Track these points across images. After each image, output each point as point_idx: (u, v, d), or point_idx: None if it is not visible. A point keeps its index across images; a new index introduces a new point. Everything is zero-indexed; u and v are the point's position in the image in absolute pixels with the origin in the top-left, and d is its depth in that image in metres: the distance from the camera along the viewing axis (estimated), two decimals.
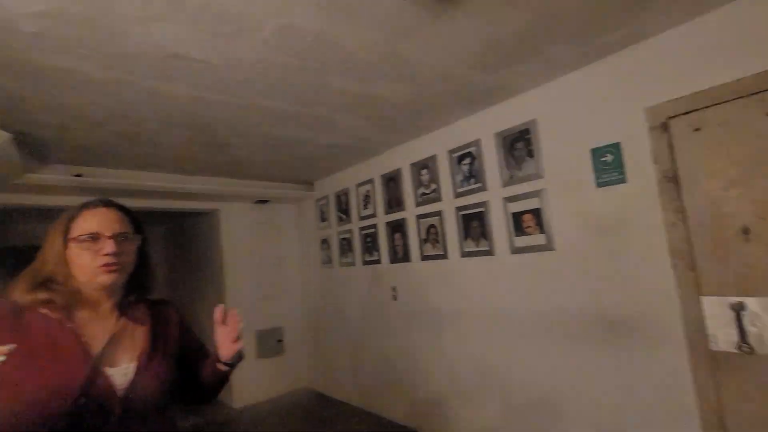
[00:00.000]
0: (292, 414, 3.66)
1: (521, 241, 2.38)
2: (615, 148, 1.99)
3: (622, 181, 1.96)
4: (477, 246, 2.63)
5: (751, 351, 1.58)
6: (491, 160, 2.54)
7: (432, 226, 2.95)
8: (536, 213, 2.30)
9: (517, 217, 2.40)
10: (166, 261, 6.22)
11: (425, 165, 2.99)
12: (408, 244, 3.15)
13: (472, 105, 2.50)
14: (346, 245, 3.83)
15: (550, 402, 2.25)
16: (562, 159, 2.20)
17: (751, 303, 1.59)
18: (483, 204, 2.59)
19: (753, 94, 1.58)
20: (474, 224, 2.65)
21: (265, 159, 3.27)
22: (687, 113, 1.75)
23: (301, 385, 4.40)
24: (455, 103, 2.45)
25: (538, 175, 2.30)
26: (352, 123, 2.63)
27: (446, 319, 2.84)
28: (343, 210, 3.86)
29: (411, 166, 3.11)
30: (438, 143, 2.89)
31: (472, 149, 2.66)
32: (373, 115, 2.51)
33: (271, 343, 4.23)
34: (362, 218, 3.62)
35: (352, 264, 3.75)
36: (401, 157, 3.20)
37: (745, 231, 1.60)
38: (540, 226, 2.29)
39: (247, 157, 3.17)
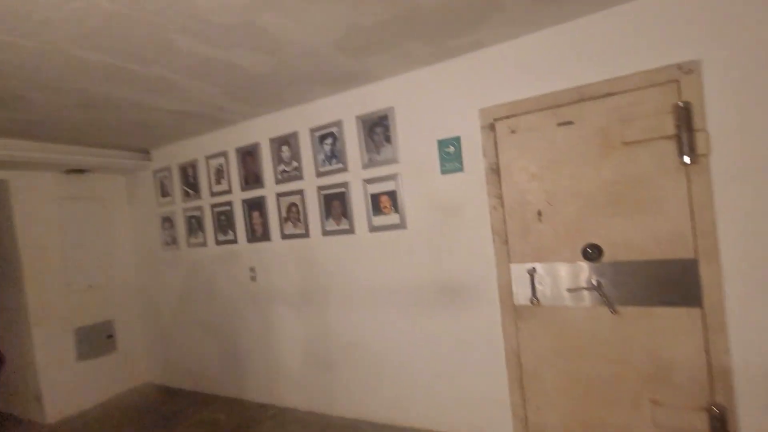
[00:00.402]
0: (132, 413, 3.22)
1: (378, 221, 2.57)
2: (456, 141, 2.30)
3: (461, 170, 2.30)
4: (338, 225, 2.73)
5: (538, 303, 2.12)
6: (353, 142, 2.63)
7: (293, 204, 2.91)
8: (392, 195, 2.52)
9: (375, 198, 2.57)
10: None
11: (286, 141, 2.89)
12: (267, 223, 3.04)
13: (335, 85, 2.51)
14: (195, 224, 3.44)
15: (402, 360, 2.57)
16: (414, 147, 2.43)
17: (539, 267, 2.12)
18: (344, 185, 2.68)
19: (549, 108, 2.04)
20: (335, 204, 2.73)
21: (81, 119, 2.62)
22: (507, 117, 2.15)
23: (139, 382, 3.88)
24: (318, 82, 2.41)
25: (394, 160, 2.49)
26: (202, 89, 2.33)
27: (307, 297, 2.90)
28: (191, 184, 3.43)
29: (270, 141, 2.96)
30: (300, 120, 2.82)
31: (334, 129, 2.69)
32: (228, 83, 2.28)
33: (97, 340, 3.57)
34: (215, 194, 3.30)
35: (203, 244, 3.41)
36: (260, 131, 3.01)
37: (539, 214, 2.11)
38: (395, 206, 2.51)
39: (53, 115, 2.48)
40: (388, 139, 2.50)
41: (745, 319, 1.71)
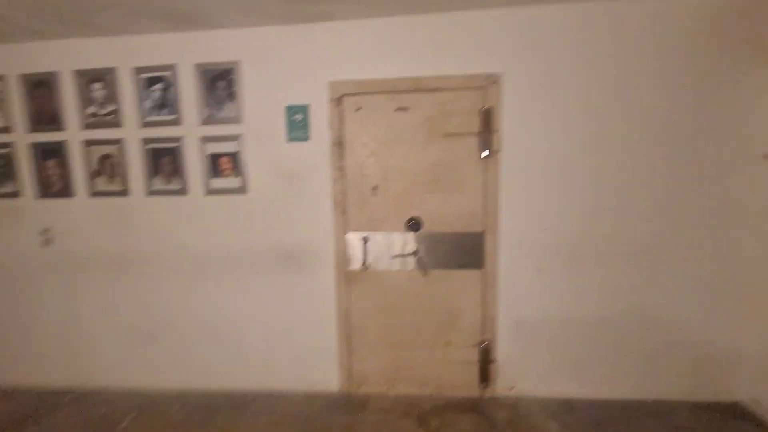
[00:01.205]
0: None
1: (217, 183, 2.41)
2: (304, 109, 2.31)
3: (307, 139, 2.33)
4: (168, 184, 2.43)
5: (368, 268, 2.38)
6: (189, 92, 2.34)
7: (107, 156, 2.45)
8: (234, 157, 2.38)
9: (215, 158, 2.39)
10: None
11: (99, 77, 2.38)
12: (69, 175, 2.48)
13: (168, 22, 2.17)
14: None
15: (232, 325, 2.53)
16: (261, 109, 2.33)
17: (372, 236, 2.37)
18: (177, 139, 2.39)
19: (390, 92, 2.24)
20: (165, 160, 2.42)
21: None
22: (354, 95, 2.27)
23: None
24: (145, 13, 2.04)
25: (237, 120, 2.34)
26: None
27: (126, 264, 2.53)
28: None
29: (76, 74, 2.38)
30: (120, 54, 2.35)
31: (166, 74, 2.34)
32: None
33: None
34: None
35: None
36: (60, 57, 2.38)
37: (375, 188, 2.33)
38: (236, 169, 2.38)
39: None
40: (231, 96, 2.32)
41: (508, 278, 2.31)
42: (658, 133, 2.13)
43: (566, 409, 2.26)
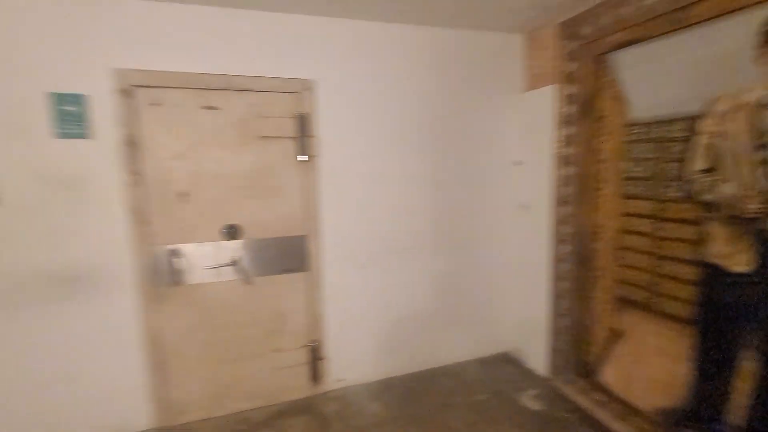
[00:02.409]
0: None
1: None
2: (80, 99, 1.88)
3: (87, 136, 1.91)
4: None
5: (179, 282, 2.13)
6: None
7: None
8: None
9: None
10: None
11: None
12: None
13: None
14: None
15: None
16: (6, 93, 1.79)
17: (183, 248, 2.12)
18: None
19: (196, 89, 2.03)
20: None
21: None
22: (150, 87, 1.97)
23: None
24: None
25: None
26: None
27: None
28: None
29: None
30: None
31: None
32: None
33: None
34: None
35: None
36: None
37: (184, 195, 2.09)
38: None
39: None
40: None
41: (333, 278, 2.42)
42: (442, 142, 2.55)
43: (385, 388, 2.52)
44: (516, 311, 2.83)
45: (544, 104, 2.42)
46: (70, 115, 1.87)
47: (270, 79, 2.14)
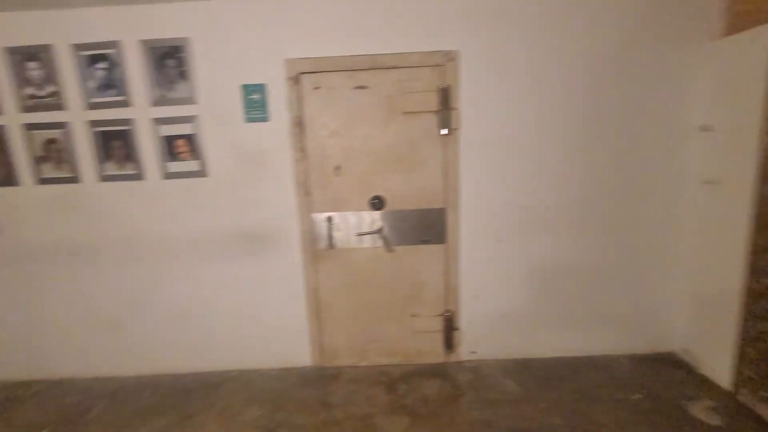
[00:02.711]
0: None
1: (175, 167, 2.34)
2: (262, 88, 2.25)
3: (266, 119, 2.28)
4: (122, 169, 2.34)
5: (334, 247, 2.43)
6: (136, 71, 2.22)
7: (53, 140, 2.31)
8: (190, 139, 2.31)
9: (170, 141, 2.31)
10: None
11: (35, 56, 2.21)
12: (11, 162, 2.34)
13: None
14: None
15: (200, 308, 2.54)
16: (216, 88, 2.26)
17: (337, 216, 2.40)
18: (127, 122, 2.28)
19: (348, 70, 2.22)
20: (116, 144, 2.32)
21: None
22: (312, 73, 2.23)
23: None
24: None
25: (191, 100, 2.26)
26: None
27: (83, 253, 2.46)
28: None
29: (8, 52, 2.20)
30: (56, 30, 2.18)
31: (110, 51, 2.20)
32: None
33: None
34: None
35: None
36: None
37: (338, 168, 2.34)
38: (194, 152, 2.32)
39: None
40: (183, 75, 2.23)
41: (469, 251, 2.42)
42: (602, 108, 2.23)
43: (522, 367, 2.45)
44: (689, 307, 2.38)
45: (753, 51, 1.88)
46: (254, 103, 2.26)
47: (413, 54, 2.18)
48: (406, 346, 2.56)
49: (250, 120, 2.28)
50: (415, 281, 2.48)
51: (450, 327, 2.50)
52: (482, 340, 2.53)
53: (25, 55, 2.21)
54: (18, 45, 2.20)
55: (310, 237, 2.41)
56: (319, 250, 2.44)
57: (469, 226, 2.39)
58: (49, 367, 2.62)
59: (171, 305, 2.53)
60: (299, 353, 2.59)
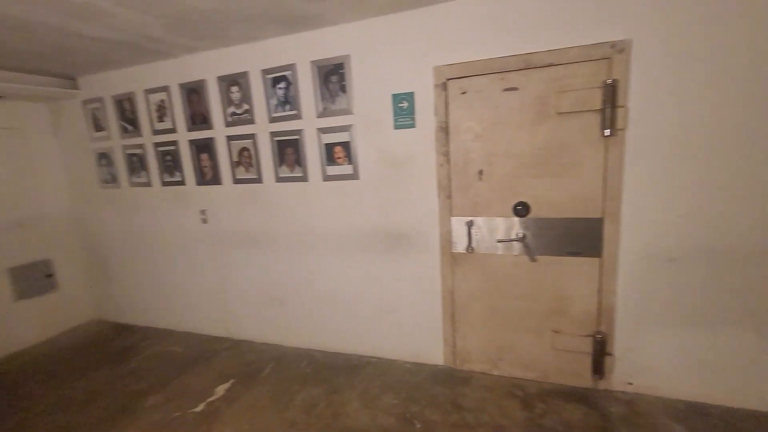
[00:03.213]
0: (80, 349, 3.28)
1: (332, 170, 2.65)
2: (410, 96, 2.37)
3: (413, 126, 2.40)
4: (292, 172, 2.77)
5: (473, 251, 2.41)
6: (307, 88, 2.58)
7: (245, 149, 2.87)
8: (346, 146, 2.58)
9: (330, 147, 2.62)
10: None
11: (236, 81, 2.76)
12: (218, 166, 2.99)
13: (287, 26, 2.39)
14: (137, 162, 3.28)
15: (347, 296, 2.83)
16: (369, 99, 2.46)
17: (477, 221, 2.38)
18: (298, 132, 2.67)
19: (497, 72, 2.15)
20: (289, 151, 2.74)
21: None
22: (459, 78, 2.24)
23: (84, 320, 3.88)
24: (269, 21, 2.29)
25: (348, 111, 2.52)
26: (139, 19, 2.12)
27: (261, 240, 3.00)
28: (129, 120, 3.20)
29: (219, 80, 2.80)
30: (250, 59, 2.68)
31: (287, 73, 2.61)
32: (166, 14, 2.09)
33: (34, 279, 3.45)
34: (157, 132, 3.12)
35: (148, 184, 3.29)
36: (206, 66, 2.82)
37: (481, 173, 2.31)
38: (348, 157, 2.59)
39: None
40: (343, 89, 2.49)
41: (631, 268, 2.12)
42: None
43: (696, 413, 2.05)
44: None
45: None
46: (403, 110, 2.40)
47: (572, 49, 1.99)
48: (544, 362, 2.39)
49: (399, 126, 2.42)
50: (560, 295, 2.29)
51: (601, 351, 2.24)
52: (643, 371, 2.20)
53: (229, 81, 2.78)
54: (225, 74, 2.78)
55: (449, 240, 2.45)
56: (457, 253, 2.46)
57: (632, 240, 2.09)
58: (235, 329, 3.28)
59: (324, 291, 2.89)
60: (432, 351, 2.67)
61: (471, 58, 2.19)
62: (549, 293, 2.31)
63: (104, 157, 3.40)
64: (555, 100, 2.08)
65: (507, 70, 2.13)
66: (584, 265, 2.20)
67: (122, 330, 3.65)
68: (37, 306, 3.48)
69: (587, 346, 2.27)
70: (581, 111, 2.04)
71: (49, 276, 3.56)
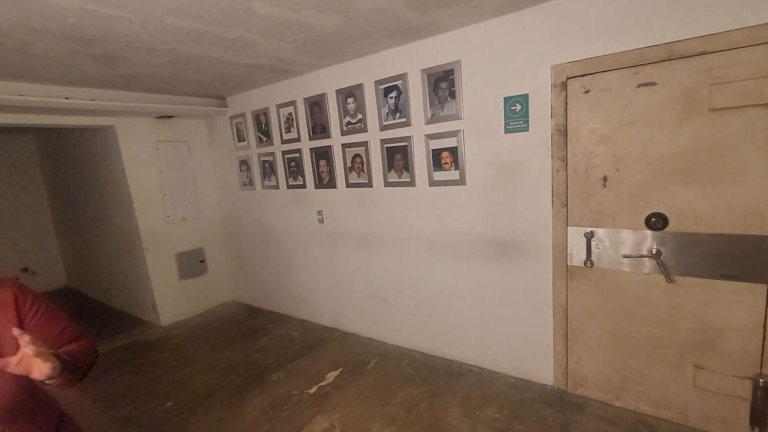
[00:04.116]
0: (224, 324, 3.93)
1: (439, 176, 2.67)
2: (524, 99, 2.25)
3: (525, 129, 2.27)
4: (400, 177, 2.87)
5: (592, 265, 2.19)
6: (417, 96, 2.65)
7: (357, 155, 3.07)
8: (453, 151, 2.57)
9: (437, 153, 2.64)
10: (44, 182, 5.46)
11: (351, 93, 2.98)
12: (333, 171, 3.26)
13: (400, 38, 2.48)
14: (268, 168, 3.77)
15: (450, 301, 2.82)
16: (479, 103, 2.41)
17: (599, 232, 2.14)
18: (407, 139, 2.76)
19: (630, 67, 1.91)
20: (397, 157, 2.85)
21: (170, 74, 2.89)
22: (582, 76, 2.05)
23: (227, 299, 4.61)
24: (384, 35, 2.41)
25: (457, 117, 2.50)
26: (276, 46, 2.44)
27: (369, 241, 3.18)
28: (264, 131, 3.70)
29: (337, 93, 3.06)
30: (365, 72, 2.86)
31: (398, 83, 2.71)
32: (298, 39, 2.36)
33: (193, 263, 4.24)
34: (285, 142, 3.55)
35: (276, 187, 3.76)
36: (326, 81, 3.11)
37: (605, 179, 2.08)
38: (455, 163, 2.58)
39: (148, 71, 2.77)
40: (452, 95, 2.49)
41: None
42: None
43: None
44: None
45: None
46: (515, 113, 2.29)
47: (735, 32, 1.65)
48: (683, 401, 2.04)
49: (510, 131, 2.32)
50: (707, 324, 1.93)
51: (764, 398, 1.82)
52: None
53: (346, 94, 3.01)
54: (342, 87, 3.01)
55: (563, 251, 2.26)
56: (573, 266, 2.26)
57: None
58: (344, 321, 3.55)
59: (427, 294, 2.94)
60: (540, 369, 2.50)
61: (597, 53, 1.98)
62: (691, 321, 1.96)
63: (244, 164, 4.00)
64: (707, 93, 1.75)
65: (643, 63, 1.87)
66: (743, 292, 1.81)
67: (254, 312, 4.24)
68: (193, 286, 4.27)
69: (744, 390, 1.87)
70: (745, 106, 1.68)
71: (202, 261, 4.34)
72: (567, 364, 2.39)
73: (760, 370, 1.82)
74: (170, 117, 3.91)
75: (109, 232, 4.37)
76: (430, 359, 2.94)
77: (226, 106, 3.98)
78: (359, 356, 3.08)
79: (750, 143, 1.70)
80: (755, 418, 1.85)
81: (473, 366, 2.78)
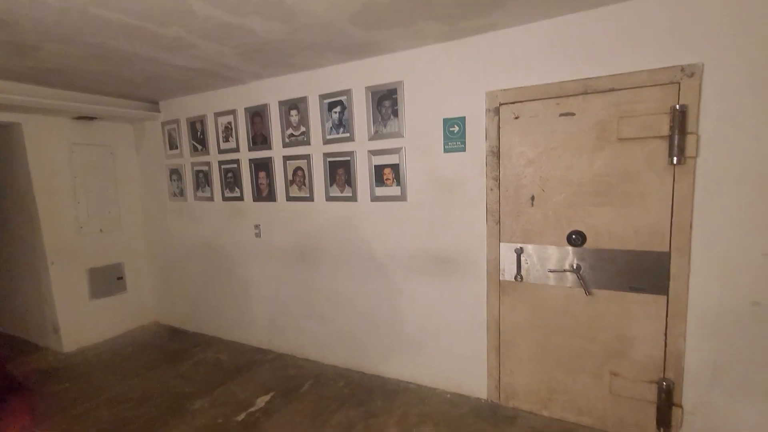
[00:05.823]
0: (141, 348, 3.52)
1: (381, 191, 2.70)
2: (461, 121, 2.37)
3: (463, 150, 2.39)
4: (342, 192, 2.85)
5: (522, 279, 2.31)
6: (361, 112, 2.68)
7: (299, 168, 3.01)
8: (395, 168, 2.62)
9: (379, 169, 2.68)
10: None
11: (295, 106, 2.94)
12: (273, 184, 3.16)
13: (346, 54, 2.52)
14: (203, 178, 3.56)
15: (391, 319, 2.80)
16: (420, 122, 2.50)
17: (528, 248, 2.28)
18: (350, 154, 2.77)
19: (554, 98, 2.11)
20: (340, 171, 2.83)
21: (94, 70, 2.65)
22: (513, 103, 2.22)
23: (147, 321, 4.17)
24: (330, 50, 2.43)
25: (399, 134, 2.57)
26: (216, 49, 2.35)
27: (308, 256, 3.08)
28: (199, 140, 3.50)
29: (280, 104, 3.01)
30: (309, 85, 2.85)
31: (343, 98, 2.73)
32: (240, 45, 2.30)
33: (108, 280, 3.80)
34: (222, 152, 3.38)
35: (210, 199, 3.55)
36: (269, 92, 3.04)
37: (533, 199, 2.24)
38: (397, 179, 2.62)
39: (67, 65, 2.51)
40: (395, 113, 2.56)
41: (704, 310, 1.90)
42: None
43: None
44: None
45: None
46: (453, 134, 2.40)
47: (638, 73, 1.90)
48: (602, 408, 2.19)
49: (449, 150, 2.43)
50: (621, 334, 2.10)
51: (668, 401, 2.00)
52: (719, 429, 1.93)
53: (290, 105, 2.97)
54: (286, 99, 2.97)
55: (497, 266, 2.37)
56: (505, 281, 2.37)
57: (704, 278, 1.89)
58: (279, 341, 3.36)
59: (364, 310, 2.89)
60: (474, 383, 2.54)
61: (525, 83, 2.17)
62: (608, 332, 2.13)
63: (175, 173, 3.73)
64: (616, 125, 1.98)
65: (564, 95, 2.08)
66: (649, 303, 2.02)
67: (177, 334, 3.87)
68: (108, 305, 3.81)
69: (651, 393, 2.04)
70: (646, 137, 1.92)
71: (120, 278, 3.91)
72: (499, 377, 2.46)
73: (663, 374, 2.01)
74: (92, 118, 3.56)
75: (6, 243, 3.79)
76: (368, 378, 2.86)
77: (158, 111, 3.72)
78: (293, 378, 2.92)
79: (651, 170, 1.94)
80: (661, 420, 2.03)
81: (411, 383, 2.76)
